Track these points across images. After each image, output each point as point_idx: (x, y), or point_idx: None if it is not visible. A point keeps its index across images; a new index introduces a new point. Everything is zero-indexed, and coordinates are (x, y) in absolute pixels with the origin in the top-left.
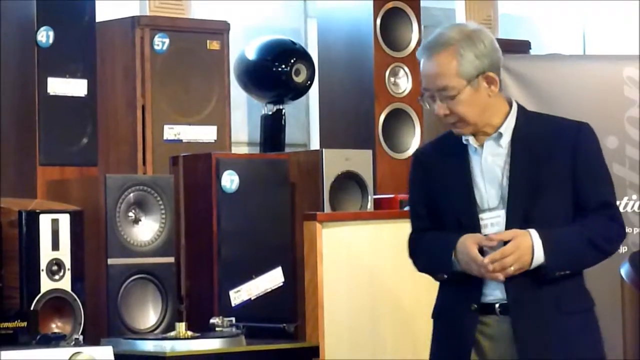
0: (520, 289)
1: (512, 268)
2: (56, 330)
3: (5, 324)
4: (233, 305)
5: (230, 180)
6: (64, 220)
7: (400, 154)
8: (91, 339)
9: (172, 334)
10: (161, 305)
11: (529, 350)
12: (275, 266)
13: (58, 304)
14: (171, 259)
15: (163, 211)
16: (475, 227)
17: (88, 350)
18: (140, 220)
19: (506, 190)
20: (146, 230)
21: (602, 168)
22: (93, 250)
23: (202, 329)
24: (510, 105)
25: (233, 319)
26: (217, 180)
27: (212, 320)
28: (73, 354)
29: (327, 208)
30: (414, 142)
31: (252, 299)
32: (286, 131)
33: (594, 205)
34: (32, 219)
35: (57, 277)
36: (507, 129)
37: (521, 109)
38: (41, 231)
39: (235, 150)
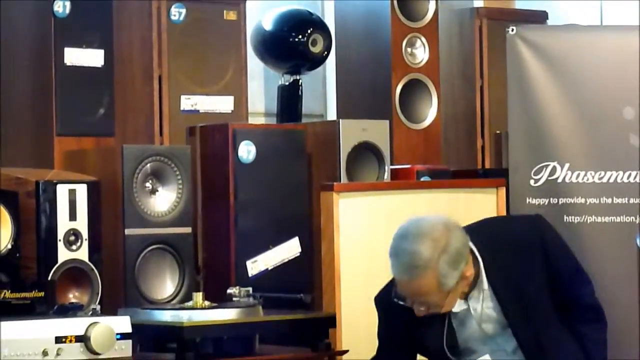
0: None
1: None
2: (73, 301)
3: (23, 294)
4: (250, 275)
5: (247, 151)
6: (81, 191)
7: (417, 125)
8: (108, 309)
9: (189, 304)
10: (178, 276)
11: None
12: (292, 236)
13: (75, 274)
14: (188, 230)
15: (180, 181)
16: None
17: (105, 320)
18: (157, 190)
19: (504, 322)
20: (163, 200)
21: (574, 265)
22: (110, 220)
23: (219, 299)
24: (475, 256)
25: (250, 289)
26: (234, 151)
27: (229, 291)
28: (90, 324)
29: (343, 178)
30: (430, 112)
31: (269, 269)
32: (303, 101)
33: (581, 310)
34: (50, 189)
35: (74, 247)
36: (482, 278)
37: (484, 249)
38: (58, 201)
39: (252, 120)
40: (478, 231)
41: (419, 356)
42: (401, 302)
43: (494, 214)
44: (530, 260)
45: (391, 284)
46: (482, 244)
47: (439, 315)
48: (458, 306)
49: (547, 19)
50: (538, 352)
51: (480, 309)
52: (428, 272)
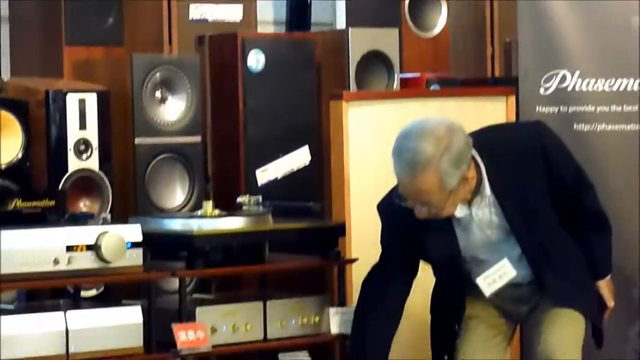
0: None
1: None
2: (84, 209)
3: (34, 203)
4: (259, 184)
5: (256, 60)
6: (91, 100)
7: (427, 33)
8: (119, 218)
9: (199, 212)
10: (188, 184)
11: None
12: (302, 145)
13: (86, 183)
14: (198, 138)
15: (189, 90)
16: (460, 290)
17: (116, 229)
18: (166, 99)
19: (507, 228)
20: (172, 109)
21: (577, 170)
22: (120, 129)
23: (228, 207)
24: (477, 162)
25: (260, 197)
26: (243, 60)
27: (238, 199)
28: (101, 233)
29: (353, 87)
30: (440, 20)
31: (279, 177)
32: (312, 10)
33: (585, 216)
34: (60, 98)
35: (84, 156)
36: (485, 185)
37: (486, 155)
38: (68, 111)
39: (261, 29)
40: (479, 137)
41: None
42: (403, 204)
43: None
44: (532, 166)
45: (394, 191)
46: (484, 150)
47: (443, 222)
48: (460, 211)
49: None
50: (542, 259)
51: (483, 214)
52: (430, 169)
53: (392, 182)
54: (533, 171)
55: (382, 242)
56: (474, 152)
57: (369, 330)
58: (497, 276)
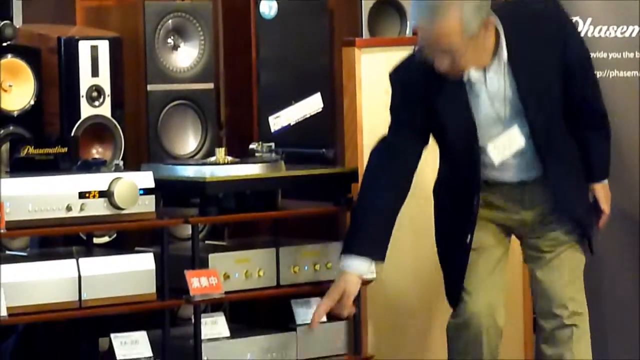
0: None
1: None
2: (97, 156)
3: (46, 150)
4: (272, 130)
5: (268, 7)
6: (103, 47)
7: None
8: (131, 164)
9: (212, 159)
10: (201, 131)
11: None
12: (314, 92)
13: (98, 130)
14: (210, 85)
15: (202, 38)
16: (475, 163)
17: (128, 176)
18: (179, 46)
19: (515, 101)
20: (185, 56)
21: (589, 60)
22: (132, 76)
23: (241, 154)
24: (495, 25)
25: (272, 144)
26: (256, 6)
27: (251, 146)
28: (113, 179)
29: (365, 34)
30: None
31: (291, 124)
32: None
33: (588, 113)
34: (72, 45)
35: (96, 103)
36: (502, 49)
37: (504, 19)
38: (80, 58)
39: None
40: (499, 8)
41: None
42: (423, 56)
43: None
44: (549, 40)
45: (407, 60)
46: (503, 17)
47: (456, 91)
48: (476, 74)
49: None
50: (547, 147)
51: (497, 83)
52: (451, 12)
53: None
54: (550, 46)
55: (392, 112)
56: (493, 15)
57: (372, 201)
58: (506, 144)
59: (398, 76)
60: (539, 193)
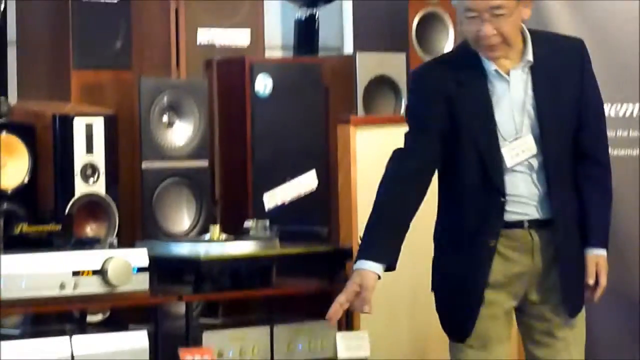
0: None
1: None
2: (91, 234)
3: (40, 228)
4: (267, 208)
5: (264, 84)
6: (98, 124)
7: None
8: (126, 242)
9: (207, 237)
10: (195, 209)
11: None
12: (309, 170)
13: (92, 207)
14: (205, 163)
15: (197, 115)
16: (496, 166)
17: (122, 253)
18: (174, 123)
19: (533, 116)
20: (180, 133)
21: (602, 107)
22: (127, 153)
23: (236, 232)
24: (522, 30)
25: (267, 221)
26: (251, 84)
27: (246, 224)
28: (107, 257)
29: (360, 111)
30: (447, 45)
31: (286, 202)
32: (320, 35)
33: (593, 163)
34: (67, 122)
35: (91, 180)
36: (528, 53)
37: (532, 34)
38: (75, 135)
39: (269, 54)
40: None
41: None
42: (470, 16)
43: None
44: (570, 72)
45: (431, 61)
46: (531, 33)
47: (480, 93)
48: (501, 83)
49: None
50: (556, 162)
51: (518, 89)
52: None
53: None
54: (570, 76)
55: (409, 115)
56: (523, 25)
57: (386, 210)
58: (520, 150)
59: (421, 72)
60: (546, 242)
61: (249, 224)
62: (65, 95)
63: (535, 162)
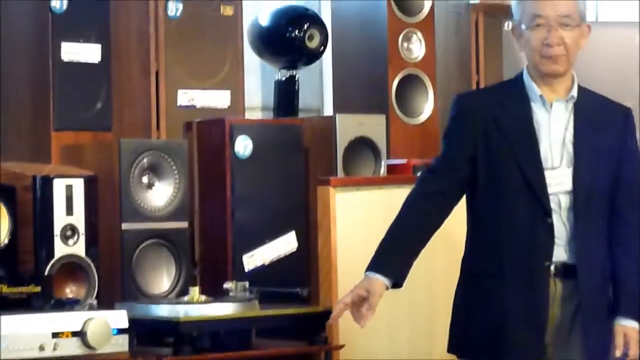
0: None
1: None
2: (70, 295)
3: (20, 289)
4: (247, 270)
5: (244, 146)
6: (78, 185)
7: (414, 119)
8: (105, 303)
9: (186, 298)
10: (175, 270)
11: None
12: (289, 231)
13: (72, 268)
14: (185, 224)
15: (177, 176)
16: (541, 184)
17: (102, 315)
18: (154, 185)
19: (571, 151)
20: (160, 195)
21: (638, 158)
22: (107, 215)
23: (215, 293)
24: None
25: (247, 283)
26: (231, 146)
27: (225, 285)
28: (87, 319)
29: (340, 173)
30: (427, 107)
31: (266, 263)
32: (300, 96)
33: (626, 235)
34: (46, 184)
35: (71, 242)
36: (574, 93)
37: (579, 86)
38: (55, 196)
39: (249, 115)
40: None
41: None
42: (537, 24)
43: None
44: (612, 128)
45: (473, 91)
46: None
47: (520, 118)
48: (543, 113)
49: None
50: (586, 205)
51: (560, 124)
52: None
53: None
54: (612, 131)
55: (445, 139)
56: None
57: (403, 229)
58: (554, 181)
59: (464, 97)
60: (570, 294)
61: (228, 285)
62: (45, 157)
63: (564, 200)
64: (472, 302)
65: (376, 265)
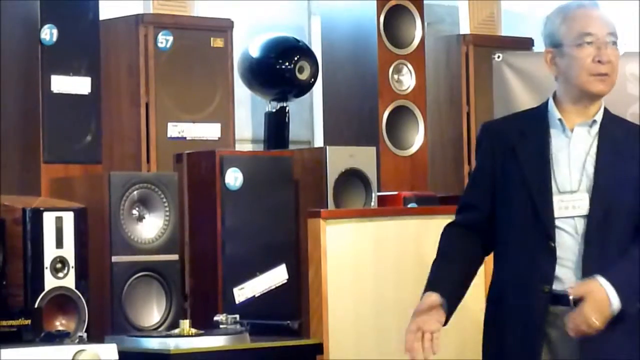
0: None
1: (597, 324)
2: (60, 328)
3: (9, 322)
4: (237, 302)
5: (234, 178)
6: (68, 218)
7: (404, 151)
8: (95, 336)
9: (176, 331)
10: (165, 303)
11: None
12: (279, 263)
13: (62, 301)
14: (175, 257)
15: (167, 209)
16: (547, 208)
17: (92, 348)
18: (144, 217)
19: (591, 176)
20: (150, 227)
21: None
22: (97, 247)
23: (206, 326)
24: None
25: (237, 316)
26: (221, 178)
27: (216, 318)
28: (77, 352)
29: (331, 205)
30: (417, 138)
31: (256, 296)
32: (290, 128)
33: None
34: (36, 216)
35: (61, 274)
36: (599, 118)
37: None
38: (45, 229)
39: (239, 147)
40: None
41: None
42: (588, 43)
43: None
44: (638, 154)
45: (499, 118)
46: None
47: (537, 143)
48: (561, 138)
49: (533, 45)
50: (603, 231)
51: (581, 146)
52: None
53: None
54: (637, 155)
55: (474, 169)
56: None
57: (448, 255)
58: (571, 205)
59: (490, 125)
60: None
61: (219, 318)
62: (35, 189)
63: (581, 225)
64: (485, 330)
65: (432, 287)
